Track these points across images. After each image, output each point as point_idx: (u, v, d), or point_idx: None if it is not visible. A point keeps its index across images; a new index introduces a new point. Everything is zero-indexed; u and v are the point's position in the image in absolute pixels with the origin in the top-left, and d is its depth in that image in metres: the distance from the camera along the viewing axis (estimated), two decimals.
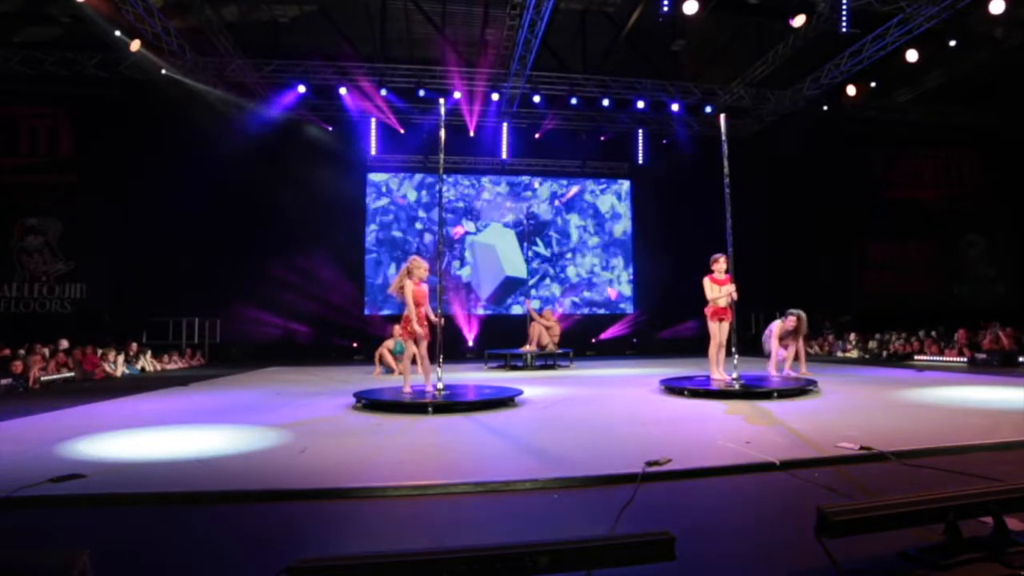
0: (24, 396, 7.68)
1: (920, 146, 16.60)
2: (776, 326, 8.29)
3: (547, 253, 15.80)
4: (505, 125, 15.20)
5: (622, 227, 16.25)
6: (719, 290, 7.22)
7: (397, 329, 9.16)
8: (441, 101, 7.55)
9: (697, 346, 14.48)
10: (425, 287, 6.55)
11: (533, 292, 15.08)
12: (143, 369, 11.24)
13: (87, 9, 9.99)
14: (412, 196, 15.57)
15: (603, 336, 15.60)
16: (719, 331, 7.27)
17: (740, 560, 2.31)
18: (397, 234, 15.36)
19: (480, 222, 15.70)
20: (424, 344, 6.55)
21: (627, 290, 16.08)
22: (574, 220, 16.10)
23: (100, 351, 10.54)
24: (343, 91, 13.26)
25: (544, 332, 11.48)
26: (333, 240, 14.78)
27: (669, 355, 13.55)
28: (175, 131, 12.71)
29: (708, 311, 7.31)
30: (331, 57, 12.80)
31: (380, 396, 6.18)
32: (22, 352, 9.00)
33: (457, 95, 13.29)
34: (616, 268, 16.09)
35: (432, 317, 6.63)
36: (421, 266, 6.53)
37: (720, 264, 7.27)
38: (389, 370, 9.99)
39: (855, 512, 2.04)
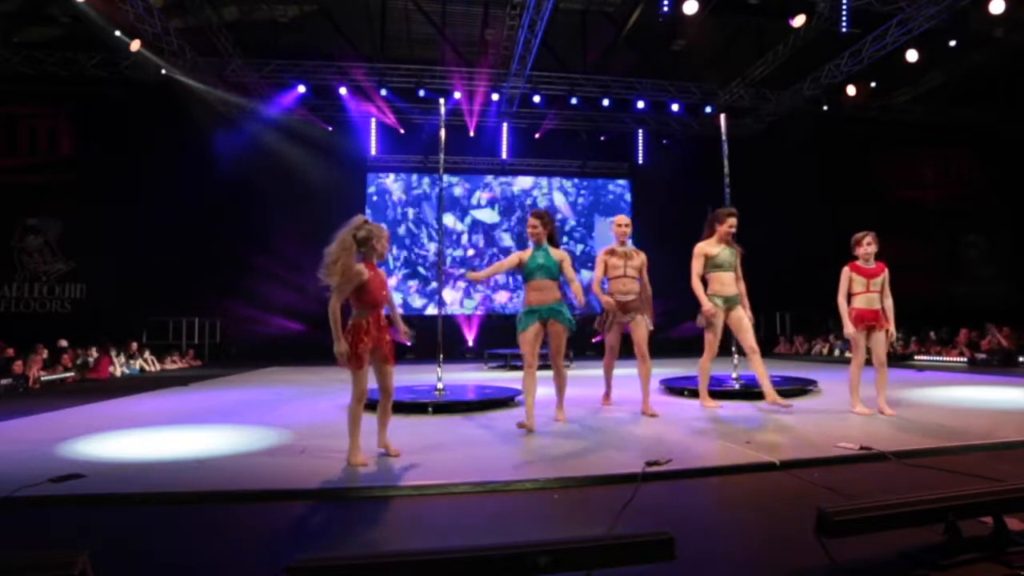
0: (24, 396, 7.68)
1: (920, 146, 16.58)
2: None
3: None
4: (505, 125, 15.19)
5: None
6: (863, 284, 5.13)
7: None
8: (441, 101, 7.56)
9: (697, 346, 14.52)
10: (383, 274, 3.94)
11: None
12: (143, 369, 11.24)
13: (87, 9, 9.99)
14: (413, 196, 15.57)
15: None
16: (866, 344, 5.19)
17: (740, 560, 2.31)
18: (400, 232, 15.35)
19: (479, 221, 15.70)
20: (385, 372, 3.88)
21: None
22: (573, 221, 16.10)
23: (113, 351, 10.61)
24: (343, 91, 13.26)
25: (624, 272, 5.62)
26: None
27: (670, 355, 13.53)
28: (175, 131, 12.71)
29: (851, 315, 5.15)
30: (331, 57, 12.80)
31: (373, 395, 6.17)
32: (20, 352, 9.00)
33: (457, 95, 13.29)
34: None
35: (399, 326, 4.09)
36: (384, 234, 3.87)
37: (868, 247, 5.17)
38: None
39: (855, 512, 2.04)
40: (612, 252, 5.67)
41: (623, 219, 5.78)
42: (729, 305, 5.54)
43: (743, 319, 5.51)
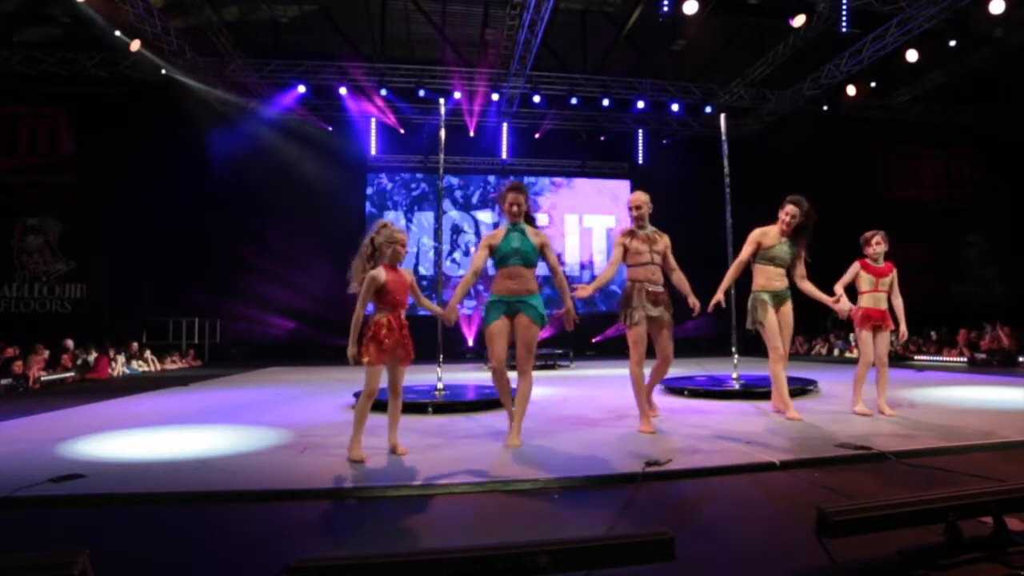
0: (24, 396, 7.68)
1: (920, 146, 16.60)
2: None
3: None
4: (505, 125, 15.20)
5: (622, 227, 16.26)
6: (871, 282, 5.12)
7: None
8: (441, 101, 7.58)
9: (698, 347, 14.55)
10: (408, 275, 3.90)
11: None
12: (143, 370, 11.24)
13: (87, 9, 9.99)
14: (411, 196, 15.57)
15: (603, 336, 15.59)
16: (870, 344, 5.11)
17: (740, 560, 2.31)
18: None
19: (479, 221, 15.71)
20: (398, 372, 3.95)
21: None
22: (573, 221, 16.10)
23: (111, 352, 10.60)
24: (343, 91, 13.27)
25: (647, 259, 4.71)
26: (333, 240, 14.72)
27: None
28: (175, 131, 12.71)
29: (856, 314, 5.12)
30: (331, 57, 12.81)
31: (380, 396, 6.17)
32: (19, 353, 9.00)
33: (457, 95, 13.30)
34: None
35: (436, 310, 4.16)
36: (397, 238, 3.79)
37: (877, 246, 5.14)
38: None
39: (855, 512, 2.04)
40: (632, 234, 4.73)
41: (636, 199, 4.76)
42: (778, 301, 5.09)
43: (787, 317, 5.09)
